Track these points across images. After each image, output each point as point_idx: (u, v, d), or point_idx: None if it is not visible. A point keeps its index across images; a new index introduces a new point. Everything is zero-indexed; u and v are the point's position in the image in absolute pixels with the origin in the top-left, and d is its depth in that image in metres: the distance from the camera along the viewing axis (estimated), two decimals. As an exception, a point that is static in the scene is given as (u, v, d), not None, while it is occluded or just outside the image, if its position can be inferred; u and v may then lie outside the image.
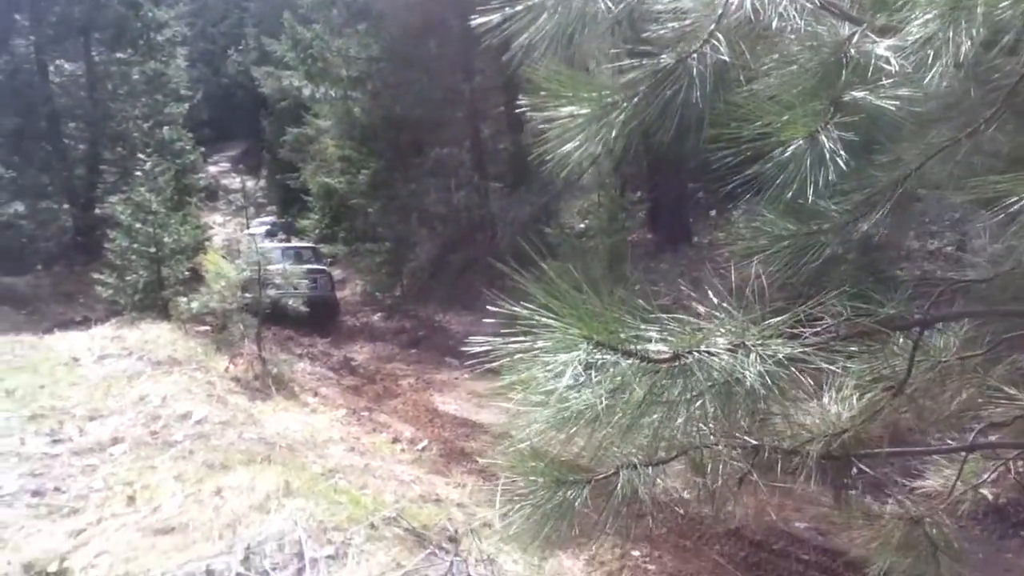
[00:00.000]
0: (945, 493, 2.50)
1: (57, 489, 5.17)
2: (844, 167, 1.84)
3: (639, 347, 1.89)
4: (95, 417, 6.77)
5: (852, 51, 1.89)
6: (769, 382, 1.80)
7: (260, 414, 8.28)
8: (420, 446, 8.34)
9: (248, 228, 29.51)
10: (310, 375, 12.45)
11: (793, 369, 1.88)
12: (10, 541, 4.45)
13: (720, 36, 1.94)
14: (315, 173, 24.08)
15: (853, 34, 1.89)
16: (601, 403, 1.96)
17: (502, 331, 1.95)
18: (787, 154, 1.92)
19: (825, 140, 1.86)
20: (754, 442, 2.30)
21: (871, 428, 2.35)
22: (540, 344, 1.87)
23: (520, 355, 1.90)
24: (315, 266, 17.98)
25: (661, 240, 15.78)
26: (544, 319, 1.84)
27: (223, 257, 19.38)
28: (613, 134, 2.02)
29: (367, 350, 15.28)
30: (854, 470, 2.38)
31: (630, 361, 1.85)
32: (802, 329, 1.99)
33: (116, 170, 20.78)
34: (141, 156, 14.80)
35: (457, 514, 5.47)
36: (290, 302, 11.74)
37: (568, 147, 2.11)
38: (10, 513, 4.80)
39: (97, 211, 18.95)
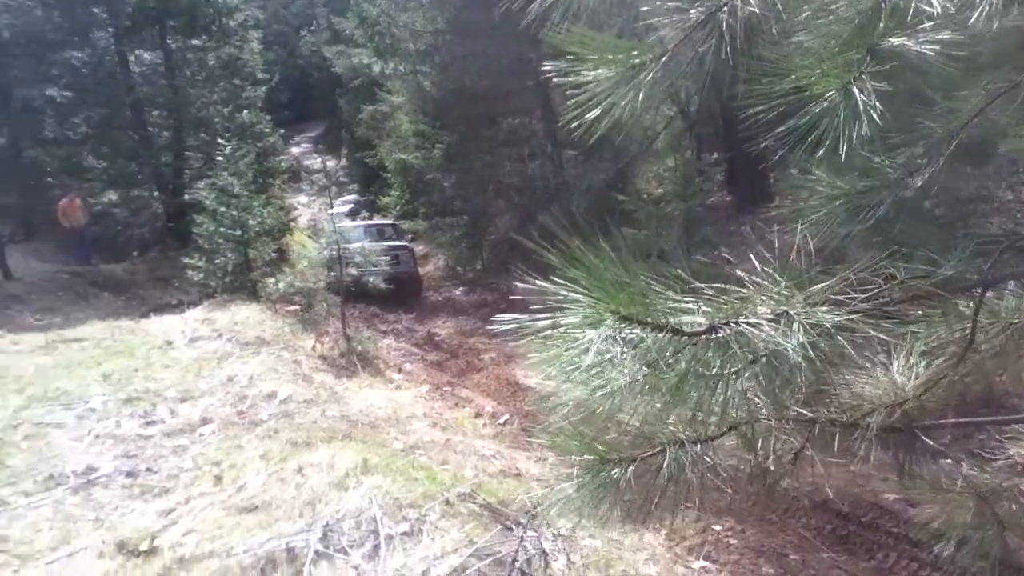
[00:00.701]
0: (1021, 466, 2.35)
1: (149, 470, 5.35)
2: (879, 121, 1.71)
3: (671, 320, 1.81)
4: (186, 398, 6.98)
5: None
6: (812, 354, 1.70)
7: (345, 391, 8.43)
8: (502, 420, 8.38)
9: (331, 208, 30.01)
10: (395, 351, 12.62)
11: (841, 339, 1.77)
12: (105, 520, 4.62)
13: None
14: (391, 150, 24.25)
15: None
16: (625, 379, 1.89)
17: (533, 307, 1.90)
18: (819, 109, 1.80)
19: (858, 92, 1.73)
20: (809, 415, 2.19)
21: (937, 397, 2.21)
22: (568, 320, 1.81)
23: (547, 332, 1.84)
24: (397, 243, 18.17)
25: (741, 202, 15.40)
26: (572, 294, 1.77)
27: (309, 237, 19.82)
28: (640, 96, 1.93)
29: (450, 325, 15.41)
30: (918, 443, 2.25)
31: (661, 335, 1.77)
32: (852, 295, 1.87)
33: (200, 156, 21.27)
34: (221, 141, 15.11)
35: (537, 489, 5.46)
36: (371, 279, 11.90)
37: (593, 113, 2.03)
38: (106, 494, 4.99)
39: (185, 197, 19.45)
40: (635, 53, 2.03)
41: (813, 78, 1.79)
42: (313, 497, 4.69)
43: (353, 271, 11.47)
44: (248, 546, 4.16)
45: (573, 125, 2.06)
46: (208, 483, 5.11)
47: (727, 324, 1.82)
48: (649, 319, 1.77)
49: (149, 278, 18.17)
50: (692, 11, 1.99)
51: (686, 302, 1.88)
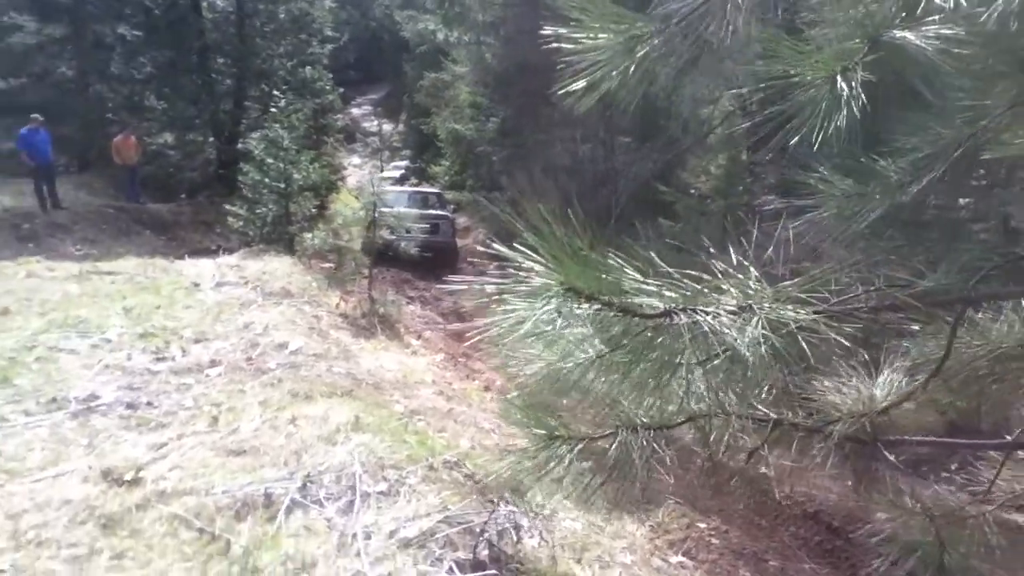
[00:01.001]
0: (981, 491, 2.27)
1: (150, 404, 5.44)
2: (858, 114, 1.64)
3: (625, 300, 1.77)
4: (200, 340, 7.08)
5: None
6: (764, 351, 1.65)
7: (359, 351, 8.49)
8: (509, 396, 8.36)
9: (382, 171, 30.20)
10: (418, 318, 12.68)
11: (802, 339, 1.72)
12: (97, 448, 4.72)
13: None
14: (446, 119, 24.28)
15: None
16: (583, 356, 1.86)
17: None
18: (804, 97, 1.74)
19: (843, 83, 1.67)
20: (773, 415, 2.14)
21: (908, 413, 2.15)
22: (520, 288, 1.78)
23: (496, 297, 1.82)
24: (437, 212, 18.19)
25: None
26: (529, 261, 1.75)
27: (355, 198, 19.99)
28: (632, 69, 1.88)
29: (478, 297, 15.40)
30: (879, 456, 2.18)
31: (611, 313, 1.73)
32: (820, 297, 1.82)
33: (259, 106, 21.55)
34: (276, 93, 15.28)
35: (529, 466, 5.45)
36: (403, 244, 11.94)
37: (580, 84, 1.99)
38: (103, 422, 5.09)
39: (239, 145, 19.70)
40: (639, 24, 1.98)
41: (805, 65, 1.73)
42: (301, 448, 4.74)
43: (387, 234, 11.50)
44: (228, 487, 4.23)
45: (561, 93, 2.02)
46: (204, 423, 5.19)
47: (684, 311, 1.78)
48: (600, 295, 1.73)
49: (192, 221, 18.48)
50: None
51: (648, 284, 1.84)
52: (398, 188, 20.85)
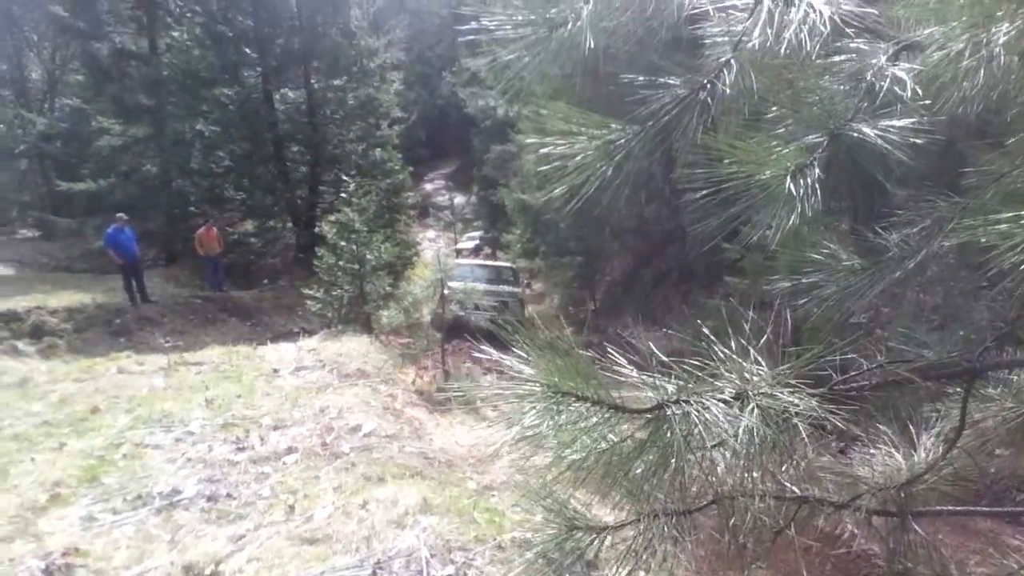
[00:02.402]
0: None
1: (229, 495, 5.61)
2: (808, 212, 1.69)
3: (615, 397, 1.82)
4: (278, 427, 7.28)
5: (869, 75, 1.72)
6: (757, 442, 1.67)
7: (434, 427, 8.60)
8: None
9: (457, 243, 30.70)
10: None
11: (800, 424, 1.73)
12: (179, 543, 4.89)
13: (735, 64, 1.84)
14: (512, 190, 24.65)
15: (873, 59, 1.73)
16: (581, 452, 1.90)
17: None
18: (763, 195, 1.79)
19: (791, 185, 1.72)
20: (799, 492, 2.13)
21: (931, 484, 2.11)
22: (514, 391, 1.86)
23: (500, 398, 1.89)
24: (508, 288, 18.33)
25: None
26: (523, 366, 1.82)
27: (431, 272, 20.36)
28: (609, 172, 1.96)
29: (554, 365, 15.38)
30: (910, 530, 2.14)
31: (603, 411, 1.78)
32: (818, 378, 1.84)
33: (333, 190, 22.33)
34: (345, 178, 15.83)
35: (610, 541, 5.40)
36: (472, 319, 12.11)
37: (560, 189, 2.07)
38: (185, 516, 5.27)
39: (316, 229, 20.38)
40: (617, 127, 2.08)
41: (762, 163, 1.79)
42: (371, 533, 4.82)
43: (456, 309, 11.68)
44: (302, 577, 4.33)
45: (546, 197, 2.10)
46: (280, 512, 5.32)
47: (676, 403, 1.82)
48: (589, 395, 1.79)
49: (275, 306, 19.03)
50: (678, 87, 2.02)
51: (644, 378, 1.89)
52: (470, 262, 21.16)
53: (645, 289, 17.72)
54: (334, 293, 14.22)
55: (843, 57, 1.79)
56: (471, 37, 1.93)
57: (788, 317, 1.88)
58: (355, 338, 12.53)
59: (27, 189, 28.56)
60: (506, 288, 18.28)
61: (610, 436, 1.84)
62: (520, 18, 1.80)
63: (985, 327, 2.04)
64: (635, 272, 18.88)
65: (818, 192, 1.72)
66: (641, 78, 1.91)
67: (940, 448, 2.18)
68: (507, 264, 22.69)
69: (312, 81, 23.76)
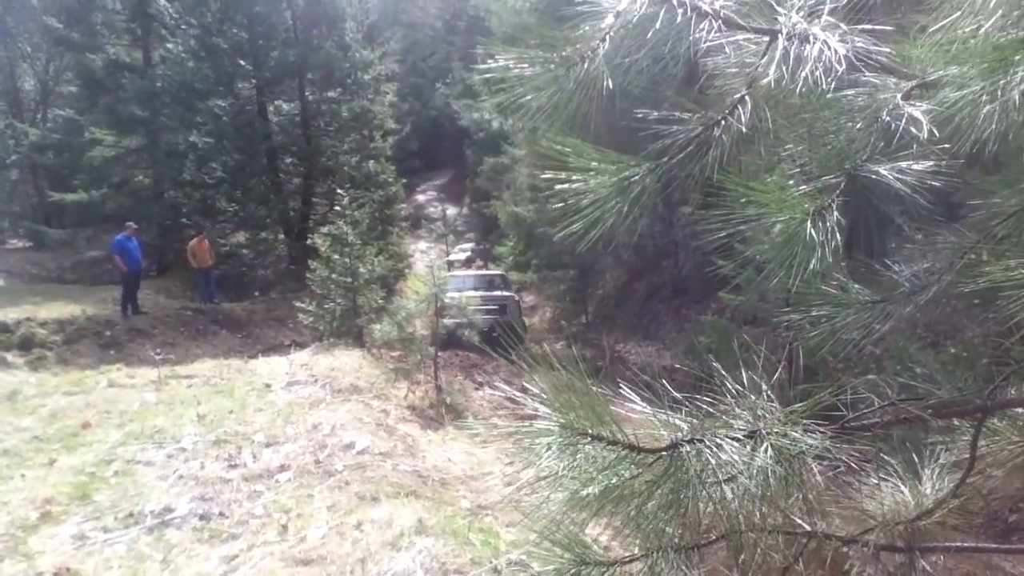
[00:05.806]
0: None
1: (222, 514, 5.56)
2: (829, 257, 1.68)
3: (630, 436, 1.81)
4: (271, 443, 7.22)
5: (884, 114, 1.72)
6: (772, 481, 1.65)
7: (428, 444, 8.54)
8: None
9: (448, 255, 30.73)
10: (487, 403, 12.69)
11: (812, 462, 1.72)
12: (172, 562, 4.83)
13: (749, 101, 1.83)
14: (505, 203, 24.70)
15: (889, 98, 1.72)
16: (594, 489, 1.89)
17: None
18: (780, 239, 1.78)
19: (811, 230, 1.71)
20: (807, 527, 2.11)
21: (941, 519, 2.09)
22: (537, 427, 1.84)
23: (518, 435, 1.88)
24: (503, 292, 18.34)
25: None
26: (539, 404, 1.81)
27: (424, 284, 20.36)
28: (625, 208, 1.95)
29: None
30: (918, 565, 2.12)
31: (617, 450, 1.76)
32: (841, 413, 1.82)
33: (326, 202, 22.35)
34: (339, 191, 15.82)
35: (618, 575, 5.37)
36: (466, 332, 12.07)
37: (577, 225, 2.06)
38: (177, 535, 5.21)
39: (309, 241, 20.35)
40: (632, 163, 2.06)
41: (771, 204, 1.78)
42: (366, 555, 4.78)
43: (448, 322, 11.65)
44: (296, 600, 4.28)
45: (562, 234, 2.09)
46: (274, 532, 5.27)
47: (690, 442, 1.80)
48: (603, 434, 1.77)
49: (266, 318, 18.97)
50: (692, 123, 2.01)
51: (661, 416, 1.87)
52: (461, 273, 21.17)
53: (638, 303, 17.73)
54: (327, 306, 14.18)
55: (856, 91, 1.77)
56: (488, 76, 1.92)
57: (799, 351, 1.86)
58: (347, 352, 12.49)
59: (18, 200, 28.50)
60: (500, 293, 18.27)
61: (623, 473, 1.82)
62: (535, 55, 1.79)
63: (994, 364, 2.03)
64: (628, 286, 18.91)
65: (838, 236, 1.71)
66: (655, 114, 1.89)
67: (946, 481, 2.17)
68: (497, 272, 22.69)
69: (306, 93, 23.80)
